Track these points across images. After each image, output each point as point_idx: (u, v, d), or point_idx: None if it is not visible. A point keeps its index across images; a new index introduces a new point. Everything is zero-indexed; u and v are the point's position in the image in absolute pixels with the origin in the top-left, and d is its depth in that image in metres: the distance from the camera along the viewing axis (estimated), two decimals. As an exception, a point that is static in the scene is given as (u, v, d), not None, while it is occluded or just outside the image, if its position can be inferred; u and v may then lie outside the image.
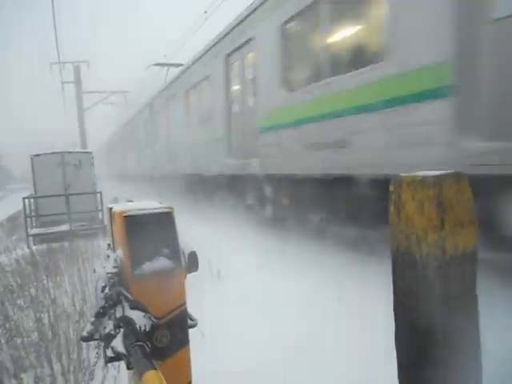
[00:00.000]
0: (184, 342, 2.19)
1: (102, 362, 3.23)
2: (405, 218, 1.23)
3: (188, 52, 12.16)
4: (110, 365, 3.34)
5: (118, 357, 1.62)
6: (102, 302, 1.81)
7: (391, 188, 1.28)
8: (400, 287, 1.30)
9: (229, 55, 8.40)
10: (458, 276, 1.21)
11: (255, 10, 6.93)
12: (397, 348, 1.35)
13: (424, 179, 1.18)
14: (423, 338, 1.24)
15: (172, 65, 18.75)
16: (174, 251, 2.13)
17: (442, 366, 1.20)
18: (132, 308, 1.76)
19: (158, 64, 20.32)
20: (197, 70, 10.60)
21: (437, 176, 1.18)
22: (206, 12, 19.54)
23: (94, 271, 2.25)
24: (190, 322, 2.28)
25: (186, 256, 2.23)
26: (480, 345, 1.29)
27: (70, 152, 11.20)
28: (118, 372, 3.22)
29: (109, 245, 2.42)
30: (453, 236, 1.18)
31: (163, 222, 2.18)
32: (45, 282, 5.41)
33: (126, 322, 1.65)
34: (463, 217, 1.21)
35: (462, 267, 1.22)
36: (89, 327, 1.78)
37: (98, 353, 3.23)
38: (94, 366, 3.05)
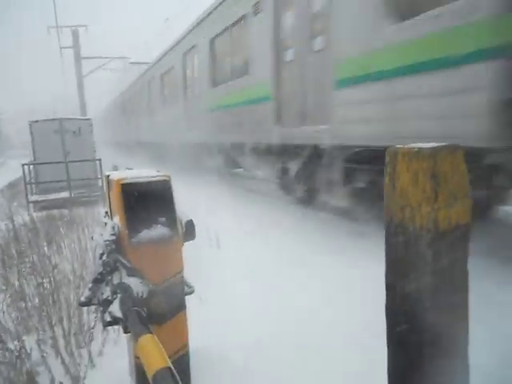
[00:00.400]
0: (181, 307, 2.24)
1: (101, 325, 3.32)
2: (399, 189, 1.24)
3: (189, 17, 11.82)
4: (110, 328, 3.42)
5: (115, 321, 1.67)
6: (100, 269, 1.84)
7: (387, 159, 1.27)
8: (392, 258, 1.32)
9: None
10: (449, 249, 1.22)
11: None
12: (387, 315, 1.39)
13: (419, 151, 1.18)
14: (413, 307, 1.27)
15: (145, 63, 20.83)
16: (171, 219, 2.14)
17: (430, 331, 1.24)
18: (129, 275, 1.79)
19: (133, 63, 23.16)
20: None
21: (432, 148, 1.18)
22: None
23: (92, 238, 2.28)
24: (186, 288, 2.33)
25: (183, 224, 2.25)
26: (468, 317, 1.32)
27: (68, 118, 11.11)
28: (118, 335, 3.30)
29: (106, 212, 2.44)
30: (446, 209, 1.19)
31: (160, 190, 2.19)
32: (45, 248, 5.48)
33: (123, 289, 1.68)
34: (457, 190, 1.21)
35: (454, 240, 1.23)
36: (87, 293, 1.82)
37: (96, 317, 3.30)
38: (93, 328, 3.12)
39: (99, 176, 9.94)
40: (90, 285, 1.81)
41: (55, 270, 4.39)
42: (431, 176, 1.15)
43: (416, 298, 1.24)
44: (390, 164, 1.26)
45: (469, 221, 1.26)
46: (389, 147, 1.23)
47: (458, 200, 1.21)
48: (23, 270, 4.66)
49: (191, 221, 2.26)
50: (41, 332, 3.25)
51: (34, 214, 8.44)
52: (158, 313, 2.08)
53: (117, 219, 2.10)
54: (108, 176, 2.31)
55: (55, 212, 8.25)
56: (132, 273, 1.79)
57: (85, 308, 3.58)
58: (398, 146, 1.24)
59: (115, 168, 11.03)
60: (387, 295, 1.35)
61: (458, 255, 1.25)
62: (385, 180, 1.29)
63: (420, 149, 1.18)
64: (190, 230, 2.23)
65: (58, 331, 3.17)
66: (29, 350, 2.85)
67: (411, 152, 1.19)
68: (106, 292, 1.72)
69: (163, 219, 2.06)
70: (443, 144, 1.18)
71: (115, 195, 2.15)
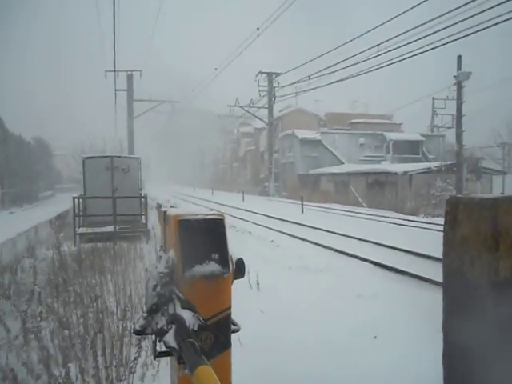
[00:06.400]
0: (226, 345, 2.25)
1: (141, 359, 3.36)
2: (460, 237, 1.26)
3: (238, 66, 12.39)
4: (149, 363, 3.46)
5: (168, 352, 1.71)
6: (155, 300, 1.91)
7: (447, 208, 1.30)
8: (450, 305, 1.31)
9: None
10: (510, 298, 1.22)
11: None
12: (444, 363, 1.37)
13: (481, 201, 1.21)
14: (471, 359, 1.25)
15: None
16: (224, 257, 2.21)
17: (489, 386, 1.21)
18: (183, 307, 1.85)
19: None
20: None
21: (494, 199, 1.20)
22: (258, 29, 20.25)
23: (146, 270, 2.37)
24: (233, 326, 2.36)
25: (234, 262, 2.32)
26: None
27: (119, 156, 11.68)
28: (158, 371, 3.33)
29: (161, 246, 2.54)
30: (507, 258, 1.19)
31: (215, 228, 2.27)
32: (90, 279, 5.65)
33: (178, 320, 1.74)
34: (519, 240, 1.22)
35: (516, 290, 1.23)
36: (141, 322, 1.89)
37: (138, 349, 3.34)
38: (136, 360, 3.16)
39: (143, 213, 10.24)
40: (145, 314, 1.88)
41: (99, 301, 4.51)
42: (493, 226, 1.17)
43: (475, 351, 1.22)
44: (450, 213, 1.29)
45: (531, 272, 1.26)
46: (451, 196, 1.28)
47: (519, 251, 1.22)
48: (68, 298, 4.81)
49: (241, 259, 2.32)
50: (83, 361, 3.32)
51: (81, 246, 8.74)
52: (204, 348, 2.11)
53: (171, 253, 2.20)
54: (165, 212, 2.43)
55: (100, 245, 8.52)
56: (186, 305, 1.85)
57: (126, 340, 3.64)
58: (459, 195, 1.27)
59: (159, 206, 11.37)
60: (444, 343, 1.34)
61: (519, 305, 1.24)
62: (444, 227, 1.31)
63: (482, 199, 1.21)
64: (240, 269, 2.29)
65: (101, 361, 3.24)
66: (73, 378, 2.93)
67: (473, 202, 1.22)
68: (161, 322, 1.79)
69: (216, 256, 2.14)
70: (504, 195, 1.20)
71: (171, 230, 2.26)
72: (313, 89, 28.90)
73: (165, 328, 1.73)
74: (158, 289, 1.99)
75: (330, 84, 26.34)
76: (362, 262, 8.26)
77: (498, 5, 12.84)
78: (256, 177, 49.23)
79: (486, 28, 13.74)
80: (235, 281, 2.56)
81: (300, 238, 11.35)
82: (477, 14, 13.51)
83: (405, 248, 9.25)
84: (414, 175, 24.48)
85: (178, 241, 2.15)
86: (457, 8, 14.08)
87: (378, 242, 10.25)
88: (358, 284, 6.26)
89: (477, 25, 13.92)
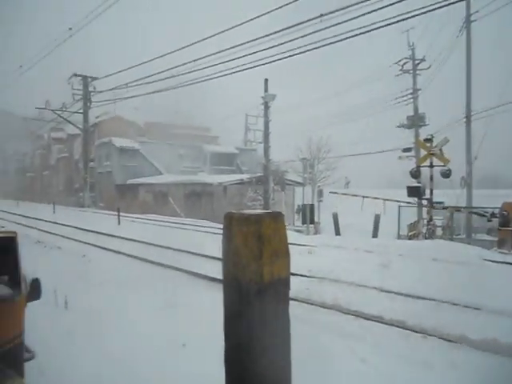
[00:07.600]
0: (18, 375, 2.07)
1: None
2: (234, 248, 1.47)
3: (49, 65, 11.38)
4: None
5: None
6: None
7: (224, 223, 1.51)
8: (229, 309, 1.51)
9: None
10: (273, 299, 1.47)
11: None
12: (225, 362, 1.55)
13: (249, 217, 1.44)
14: (245, 353, 1.46)
15: None
16: (15, 278, 2.05)
17: (259, 376, 1.44)
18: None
19: None
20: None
21: (258, 215, 1.45)
22: (70, 29, 18.90)
23: None
24: (26, 354, 2.19)
25: (28, 283, 2.16)
26: (290, 355, 1.56)
27: None
28: None
29: None
30: (269, 265, 1.44)
31: (5, 247, 2.09)
32: None
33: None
34: (278, 249, 1.49)
35: (277, 291, 1.49)
36: None
37: None
38: None
39: None
40: None
41: None
42: (258, 238, 1.41)
43: (247, 343, 1.43)
44: (226, 227, 1.49)
45: (288, 274, 1.54)
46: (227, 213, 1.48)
47: (279, 257, 1.48)
48: None
49: (37, 280, 2.19)
50: None
51: None
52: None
53: None
54: None
55: None
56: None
57: None
58: (234, 211, 1.48)
59: None
60: (225, 345, 1.53)
61: (280, 303, 1.50)
62: (222, 240, 1.51)
63: (249, 215, 1.44)
64: (35, 290, 2.16)
65: None
66: None
67: (242, 217, 1.44)
68: None
69: (5, 278, 1.98)
70: (267, 211, 1.45)
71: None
72: (131, 97, 28.25)
73: None
74: None
75: (149, 94, 26.22)
76: (175, 271, 8.50)
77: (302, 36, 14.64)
78: (70, 186, 45.83)
79: (294, 55, 15.51)
80: (38, 301, 2.39)
81: (115, 251, 11.01)
82: (286, 42, 15.16)
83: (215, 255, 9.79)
84: (228, 186, 26.03)
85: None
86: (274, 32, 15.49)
87: (193, 251, 10.61)
88: (171, 294, 6.37)
89: (284, 52, 15.62)
